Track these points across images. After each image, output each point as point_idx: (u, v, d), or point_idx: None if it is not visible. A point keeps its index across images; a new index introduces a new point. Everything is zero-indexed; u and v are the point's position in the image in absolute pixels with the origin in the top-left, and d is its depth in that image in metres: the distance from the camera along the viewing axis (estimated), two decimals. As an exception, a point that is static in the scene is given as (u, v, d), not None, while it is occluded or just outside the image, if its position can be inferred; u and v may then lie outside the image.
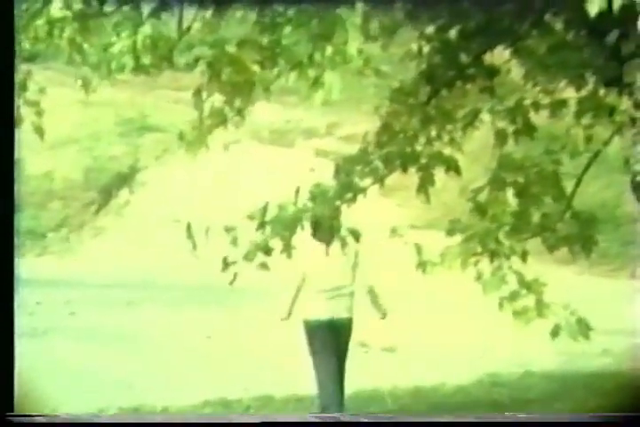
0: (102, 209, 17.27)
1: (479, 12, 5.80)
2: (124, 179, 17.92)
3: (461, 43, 5.98)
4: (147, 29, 4.85)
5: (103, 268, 14.63)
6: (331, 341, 7.30)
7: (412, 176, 5.79)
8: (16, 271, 14.46)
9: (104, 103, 18.86)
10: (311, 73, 4.76)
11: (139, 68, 4.98)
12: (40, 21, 4.75)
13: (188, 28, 5.23)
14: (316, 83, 4.74)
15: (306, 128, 20.22)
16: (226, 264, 5.62)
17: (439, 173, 5.73)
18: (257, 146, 18.71)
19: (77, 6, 4.75)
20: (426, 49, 6.10)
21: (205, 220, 10.86)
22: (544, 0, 5.66)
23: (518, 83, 5.77)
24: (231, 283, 5.49)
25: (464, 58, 6.02)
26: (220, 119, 5.72)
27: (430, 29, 6.09)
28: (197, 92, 5.43)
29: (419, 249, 5.36)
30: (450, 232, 5.36)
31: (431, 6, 5.86)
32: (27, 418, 5.24)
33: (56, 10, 4.73)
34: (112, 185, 17.80)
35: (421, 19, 5.96)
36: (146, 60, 4.89)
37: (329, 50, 4.70)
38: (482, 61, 5.99)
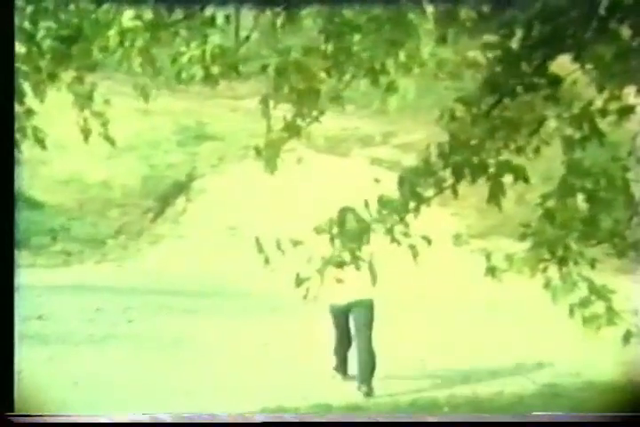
0: (160, 217, 17.40)
1: (542, 20, 5.77)
2: (182, 187, 18.05)
3: (524, 51, 5.95)
4: (215, 39, 4.88)
5: (161, 275, 14.71)
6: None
7: (465, 185, 5.78)
8: (75, 278, 14.61)
9: (162, 112, 19.03)
10: (383, 79, 4.76)
11: (208, 78, 5.01)
12: (112, 31, 4.79)
13: (247, 38, 5.25)
14: (390, 88, 4.74)
15: (362, 136, 20.23)
16: (299, 280, 5.69)
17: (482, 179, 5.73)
18: (312, 154, 18.74)
19: (148, 16, 4.78)
20: (488, 57, 6.08)
21: (263, 228, 11.02)
22: (608, 7, 5.61)
23: (584, 90, 5.73)
24: (305, 297, 5.61)
25: (527, 66, 5.98)
26: (291, 130, 5.74)
27: (493, 38, 6.07)
28: (264, 101, 5.44)
29: (487, 255, 5.35)
30: (519, 238, 5.34)
31: (494, 14, 5.84)
32: (27, 418, 5.28)
33: (127, 20, 4.77)
34: (169, 193, 17.92)
35: (483, 27, 5.94)
36: (215, 69, 4.92)
37: (402, 55, 4.71)
38: (546, 70, 5.95)
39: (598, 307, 5.19)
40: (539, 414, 6.36)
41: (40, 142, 5.26)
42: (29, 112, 5.21)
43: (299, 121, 5.80)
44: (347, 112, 19.25)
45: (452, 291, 7.13)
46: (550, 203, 5.36)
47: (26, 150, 5.35)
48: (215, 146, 19.54)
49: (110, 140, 5.66)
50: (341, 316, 9.23)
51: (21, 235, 16.05)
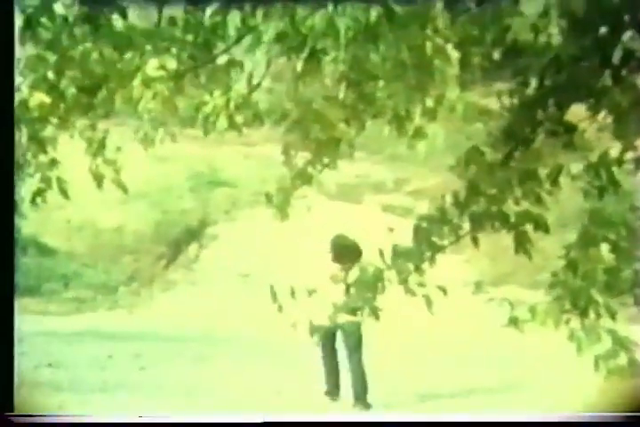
0: (172, 263, 17.40)
1: (556, 69, 5.78)
2: (194, 233, 18.07)
3: (539, 99, 5.96)
4: (240, 88, 4.91)
5: (173, 322, 14.68)
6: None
7: (482, 233, 5.76)
8: (86, 324, 14.60)
9: (174, 158, 19.11)
10: (409, 125, 4.78)
11: (232, 127, 5.03)
12: (136, 82, 4.82)
13: (258, 85, 5.27)
14: (418, 135, 4.76)
15: (374, 183, 20.26)
16: (313, 329, 5.68)
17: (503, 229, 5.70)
18: (324, 201, 18.77)
19: (172, 66, 4.80)
20: (503, 105, 6.09)
21: (275, 276, 10.98)
22: (622, 56, 5.61)
23: (599, 138, 5.73)
24: (318, 344, 5.64)
25: (542, 114, 5.99)
26: (305, 178, 5.75)
27: (507, 86, 6.09)
28: (286, 150, 5.47)
29: (511, 305, 5.32)
30: (543, 287, 5.32)
31: (506, 62, 5.85)
32: (27, 418, 5.23)
33: (151, 69, 4.80)
34: (182, 239, 17.95)
35: (495, 74, 5.96)
36: (239, 118, 4.95)
37: (429, 101, 4.73)
38: (561, 118, 5.96)
39: (622, 359, 5.14)
40: (539, 415, 6.31)
41: (64, 193, 5.26)
42: (53, 162, 5.22)
43: (310, 168, 5.82)
44: (358, 159, 19.33)
45: (469, 341, 7.06)
46: (573, 253, 5.33)
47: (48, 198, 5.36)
48: (228, 192, 19.58)
49: (123, 187, 5.67)
50: (328, 339, 9.41)
51: (33, 281, 16.05)
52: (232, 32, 4.52)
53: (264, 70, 4.87)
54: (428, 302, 5.61)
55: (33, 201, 5.18)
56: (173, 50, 4.87)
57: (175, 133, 5.89)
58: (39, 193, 5.22)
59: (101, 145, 5.64)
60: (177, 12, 4.98)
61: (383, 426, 5.56)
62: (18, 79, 4.45)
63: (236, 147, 20.57)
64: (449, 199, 5.75)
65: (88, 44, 4.76)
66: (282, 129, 5.60)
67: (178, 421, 6.10)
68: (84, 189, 5.59)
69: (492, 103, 6.08)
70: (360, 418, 6.75)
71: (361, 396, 9.48)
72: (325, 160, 5.78)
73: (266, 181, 14.48)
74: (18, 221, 5.30)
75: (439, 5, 4.42)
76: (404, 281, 5.75)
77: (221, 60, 4.98)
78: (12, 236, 5.13)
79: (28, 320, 14.39)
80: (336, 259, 9.49)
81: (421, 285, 5.67)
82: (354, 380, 9.53)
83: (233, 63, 4.97)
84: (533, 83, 5.89)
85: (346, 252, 9.48)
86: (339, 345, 9.52)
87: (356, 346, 9.44)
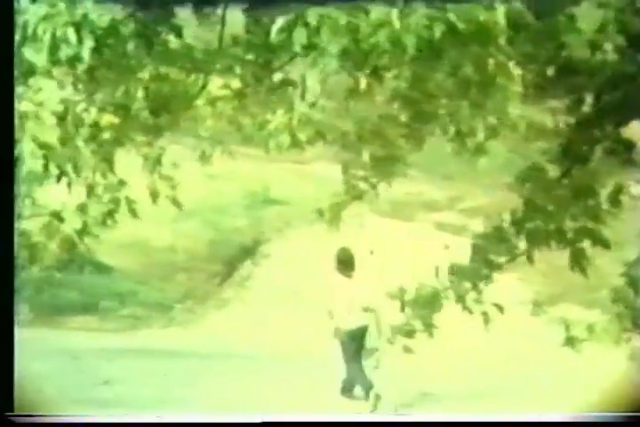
0: (226, 281, 17.46)
1: (612, 86, 5.76)
2: (248, 251, 18.13)
3: (596, 117, 5.94)
4: (302, 107, 4.94)
5: (227, 339, 14.71)
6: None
7: (539, 251, 5.72)
8: (142, 342, 14.60)
9: (228, 176, 19.20)
10: (470, 142, 4.79)
11: (295, 145, 5.08)
12: (199, 101, 4.87)
13: (313, 104, 5.30)
14: (479, 151, 4.78)
15: (426, 201, 20.20)
16: (369, 350, 5.69)
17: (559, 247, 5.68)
18: (377, 219, 18.74)
19: (236, 85, 4.85)
20: (559, 123, 6.07)
21: (329, 294, 10.97)
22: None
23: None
24: (376, 367, 5.68)
25: (599, 132, 5.97)
26: (358, 195, 5.78)
27: (562, 103, 6.07)
28: (345, 168, 5.50)
29: (566, 324, 5.29)
30: (597, 306, 5.28)
31: (564, 80, 5.84)
32: (27, 418, 5.25)
33: (216, 89, 4.85)
34: (235, 257, 18.01)
35: (552, 93, 5.95)
36: (302, 136, 4.99)
37: (491, 118, 4.74)
38: (618, 135, 5.93)
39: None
40: (539, 415, 6.25)
41: (133, 212, 5.33)
42: (122, 183, 5.29)
43: (364, 186, 5.84)
44: (411, 177, 19.27)
45: (525, 360, 7.03)
46: (634, 271, 5.29)
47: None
48: (281, 210, 19.62)
49: (177, 204, 5.73)
50: (352, 341, 10.21)
51: (89, 299, 16.19)
52: (297, 49, 4.53)
53: (325, 88, 4.89)
54: (486, 320, 5.60)
55: (104, 222, 5.25)
56: (237, 69, 4.92)
57: (232, 151, 5.94)
58: (110, 214, 5.29)
59: (158, 162, 5.70)
60: (238, 30, 5.03)
61: (383, 426, 5.55)
62: (82, 100, 4.52)
63: (290, 165, 20.63)
64: (506, 217, 5.74)
65: (152, 65, 4.82)
66: (335, 147, 5.64)
67: (178, 421, 6.12)
68: (139, 207, 5.64)
69: (548, 120, 6.07)
70: (361, 418, 6.80)
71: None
72: (380, 178, 5.80)
73: (319, 199, 14.48)
74: (87, 240, 5.36)
75: (502, 22, 4.43)
76: (461, 299, 5.74)
77: (281, 77, 5.02)
78: (12, 245, 5.16)
79: (84, 338, 14.54)
80: (340, 268, 11.15)
81: (479, 302, 5.66)
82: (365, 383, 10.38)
83: (293, 81, 5.01)
84: (589, 100, 5.87)
85: (348, 263, 11.16)
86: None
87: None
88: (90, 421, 5.94)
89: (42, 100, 4.60)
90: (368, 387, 10.33)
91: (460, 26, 4.39)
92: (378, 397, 10.19)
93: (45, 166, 4.71)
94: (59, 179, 4.86)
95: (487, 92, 4.69)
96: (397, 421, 5.54)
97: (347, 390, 10.75)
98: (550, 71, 5.42)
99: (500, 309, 5.59)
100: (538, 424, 5.30)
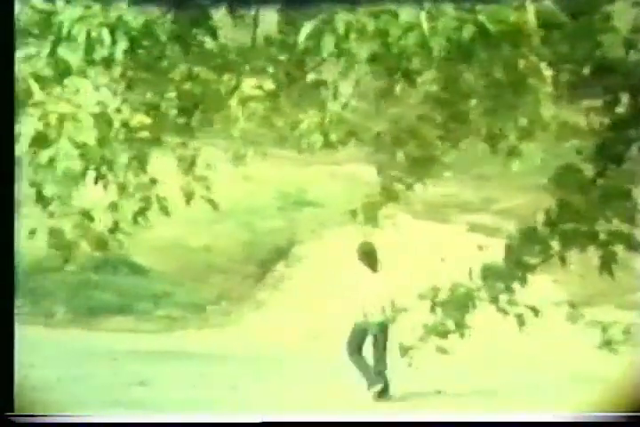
0: (261, 282, 17.49)
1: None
2: (282, 252, 18.15)
3: (632, 117, 5.90)
4: (334, 106, 4.95)
5: (263, 341, 14.74)
6: None
7: (572, 253, 5.70)
8: (177, 343, 14.60)
9: (262, 178, 19.24)
10: (503, 144, 4.78)
11: (327, 145, 5.08)
12: (232, 101, 4.88)
13: (346, 105, 5.30)
14: (513, 153, 4.77)
15: (460, 202, 20.15)
16: (404, 349, 5.70)
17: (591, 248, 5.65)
18: (410, 220, 18.71)
19: (269, 86, 4.86)
20: (593, 123, 6.04)
21: (361, 294, 10.97)
22: None
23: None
24: (410, 366, 5.69)
25: (635, 132, 5.93)
26: (392, 196, 5.78)
27: (596, 103, 6.04)
28: (381, 170, 5.50)
29: (603, 326, 5.25)
30: (633, 308, 5.25)
31: (598, 80, 5.80)
32: (27, 418, 5.25)
33: (249, 88, 4.86)
34: (270, 259, 18.03)
35: (587, 92, 5.92)
36: (334, 136, 4.99)
37: (522, 120, 4.73)
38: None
39: None
40: (540, 415, 6.21)
41: (164, 210, 5.35)
42: (153, 181, 5.30)
43: (398, 186, 5.84)
44: (444, 178, 19.23)
45: (560, 362, 6.99)
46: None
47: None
48: (315, 211, 19.64)
49: (213, 204, 5.75)
50: (381, 333, 10.97)
51: (125, 300, 16.26)
52: (325, 54, 4.54)
53: (357, 89, 4.89)
54: (520, 322, 5.58)
55: (135, 220, 5.26)
56: (270, 69, 4.94)
57: (265, 153, 5.95)
58: (141, 212, 5.30)
59: (192, 162, 5.72)
60: (271, 30, 5.04)
61: (384, 426, 5.53)
62: (117, 101, 4.55)
63: (323, 166, 20.65)
64: (540, 218, 5.71)
65: (184, 66, 4.84)
66: (368, 148, 5.63)
67: (178, 421, 6.11)
68: (173, 208, 5.65)
69: (582, 121, 6.04)
70: (361, 418, 6.79)
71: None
72: (415, 179, 5.80)
73: (352, 201, 14.48)
74: (119, 238, 5.36)
75: (533, 22, 4.40)
76: (494, 300, 5.73)
77: (313, 78, 5.03)
78: (12, 246, 5.16)
79: (120, 339, 14.61)
80: (362, 261, 11.45)
81: (513, 304, 5.64)
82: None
83: (325, 82, 5.01)
84: (624, 100, 5.83)
85: (371, 256, 11.46)
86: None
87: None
88: (90, 421, 5.96)
89: (79, 101, 4.61)
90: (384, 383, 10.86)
91: (491, 27, 4.37)
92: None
93: (83, 167, 4.70)
94: (96, 180, 4.86)
95: (518, 93, 4.67)
96: (398, 421, 5.52)
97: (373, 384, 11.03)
98: (585, 71, 5.39)
99: (535, 311, 5.57)
100: (538, 424, 5.28)
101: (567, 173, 5.76)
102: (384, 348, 10.97)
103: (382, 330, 11.02)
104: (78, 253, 4.94)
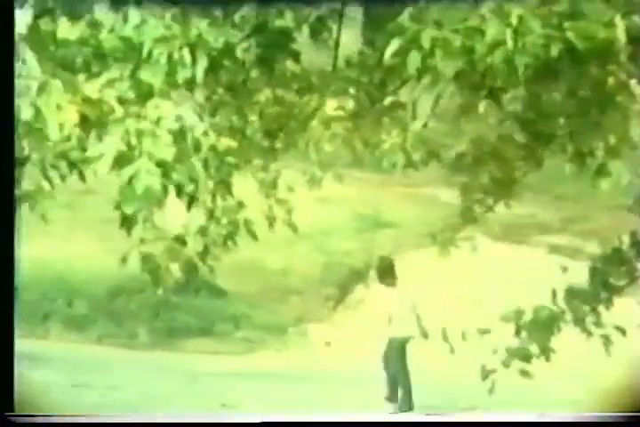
0: (340, 304, 17.47)
1: None
2: (360, 274, 18.11)
3: None
4: (415, 126, 4.94)
5: (342, 362, 14.72)
6: None
7: None
8: (257, 365, 14.64)
9: (339, 199, 19.25)
10: (591, 163, 4.73)
11: (409, 165, 5.07)
12: (314, 122, 4.89)
13: (425, 125, 5.28)
14: (601, 172, 4.70)
15: (539, 223, 19.95)
16: (485, 372, 5.64)
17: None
18: (489, 242, 18.55)
19: (350, 106, 4.87)
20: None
21: (440, 316, 10.91)
22: None
23: None
24: (490, 391, 5.62)
25: None
26: (470, 218, 5.75)
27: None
28: (465, 191, 5.47)
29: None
30: None
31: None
32: (27, 418, 5.24)
33: (331, 110, 4.87)
34: (348, 280, 18.01)
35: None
36: (416, 156, 4.97)
37: (611, 138, 4.66)
38: None
39: None
40: (540, 415, 6.09)
41: (252, 234, 5.36)
42: (240, 205, 5.31)
43: (477, 208, 5.80)
44: (523, 198, 19.01)
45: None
46: None
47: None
48: (391, 233, 19.58)
49: (293, 227, 5.77)
50: (401, 350, 11.42)
51: (205, 322, 16.34)
52: (412, 71, 4.52)
53: (437, 108, 4.88)
54: (607, 343, 5.50)
55: (224, 245, 5.29)
56: (351, 90, 4.94)
57: (342, 175, 5.95)
58: (230, 236, 5.33)
59: (273, 185, 5.74)
60: (351, 52, 5.04)
61: (384, 426, 5.46)
62: (203, 125, 4.54)
63: (398, 188, 20.61)
64: (626, 239, 5.64)
65: (269, 89, 4.86)
66: (446, 170, 5.60)
67: (178, 420, 6.08)
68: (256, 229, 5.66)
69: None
70: (362, 418, 6.77)
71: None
72: (496, 200, 5.76)
73: (429, 223, 14.44)
74: (209, 263, 5.39)
75: (622, 38, 4.33)
76: (580, 322, 5.66)
77: (391, 99, 5.02)
78: (12, 248, 5.14)
79: (201, 360, 14.67)
80: (380, 277, 11.99)
81: (599, 325, 5.56)
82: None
83: (404, 104, 5.00)
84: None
85: (389, 271, 11.83)
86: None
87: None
88: (90, 421, 5.96)
89: (158, 117, 4.56)
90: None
91: (578, 44, 4.31)
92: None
93: (164, 186, 4.65)
94: (189, 206, 4.78)
95: (606, 111, 4.60)
96: (398, 421, 5.45)
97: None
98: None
99: (623, 331, 5.48)
100: (538, 424, 5.20)
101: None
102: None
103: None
104: (169, 277, 4.96)
